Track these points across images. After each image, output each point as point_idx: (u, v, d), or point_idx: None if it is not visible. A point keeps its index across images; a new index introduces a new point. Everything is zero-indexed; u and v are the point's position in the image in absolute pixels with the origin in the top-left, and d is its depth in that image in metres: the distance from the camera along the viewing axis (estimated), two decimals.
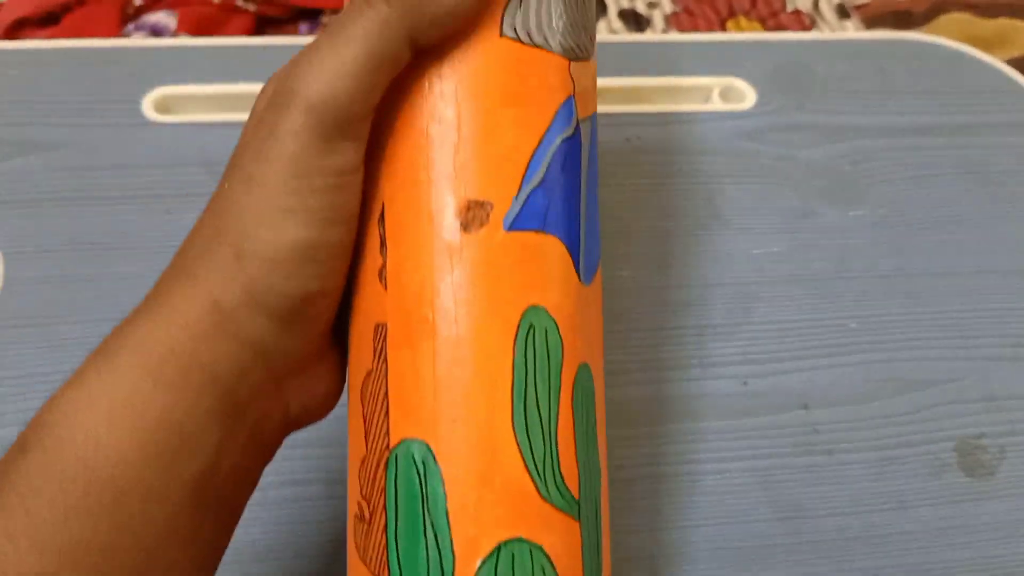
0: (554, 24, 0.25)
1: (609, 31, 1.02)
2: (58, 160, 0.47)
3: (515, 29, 0.25)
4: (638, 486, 0.39)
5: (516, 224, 0.24)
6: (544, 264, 0.25)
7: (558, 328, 0.25)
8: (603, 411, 0.27)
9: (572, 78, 0.26)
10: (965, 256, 0.48)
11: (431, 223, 0.24)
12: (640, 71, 0.55)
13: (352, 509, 0.26)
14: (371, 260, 0.26)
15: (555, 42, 0.25)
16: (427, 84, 0.25)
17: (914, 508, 0.39)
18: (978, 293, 0.47)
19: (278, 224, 0.24)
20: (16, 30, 0.92)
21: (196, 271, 0.25)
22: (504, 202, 0.24)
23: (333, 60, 0.24)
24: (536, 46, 0.25)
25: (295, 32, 0.95)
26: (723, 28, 1.05)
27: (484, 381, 0.24)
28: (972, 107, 0.56)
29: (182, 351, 0.24)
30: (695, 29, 1.04)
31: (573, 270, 0.25)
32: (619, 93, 0.54)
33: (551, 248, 0.25)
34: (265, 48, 0.55)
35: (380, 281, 0.25)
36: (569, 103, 0.25)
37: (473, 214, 0.24)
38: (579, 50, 0.26)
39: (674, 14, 1.05)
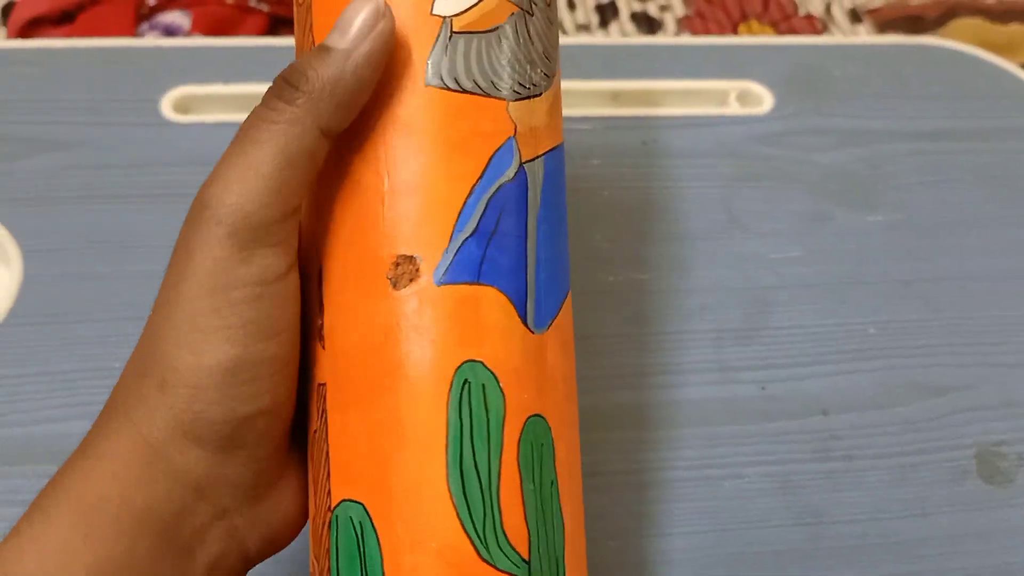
0: (490, 66, 0.24)
1: (621, 34, 1.03)
2: (76, 159, 0.47)
3: (441, 76, 0.24)
4: (656, 490, 0.39)
5: (447, 278, 0.23)
6: (480, 317, 0.24)
7: (498, 382, 0.24)
8: (574, 460, 0.26)
9: (513, 119, 0.25)
10: (982, 261, 0.48)
11: (362, 281, 0.24)
12: (656, 74, 0.55)
13: (311, 569, 0.26)
14: (315, 320, 0.25)
15: (491, 85, 0.24)
16: (356, 140, 0.24)
17: (934, 515, 0.39)
18: (996, 298, 0.47)
19: (198, 346, 0.23)
20: (31, 28, 0.92)
21: (126, 407, 0.24)
22: (435, 256, 0.23)
23: (241, 167, 0.23)
24: (466, 92, 0.24)
25: None
26: (735, 31, 1.05)
27: (417, 442, 0.23)
28: (989, 112, 0.56)
29: (113, 497, 0.23)
30: (707, 32, 1.04)
31: (518, 320, 0.24)
32: (635, 96, 0.54)
33: (488, 299, 0.24)
34: (284, 48, 0.55)
35: (319, 341, 0.25)
36: (508, 146, 0.24)
37: (402, 270, 0.23)
38: (524, 88, 0.25)
39: (686, 17, 1.05)
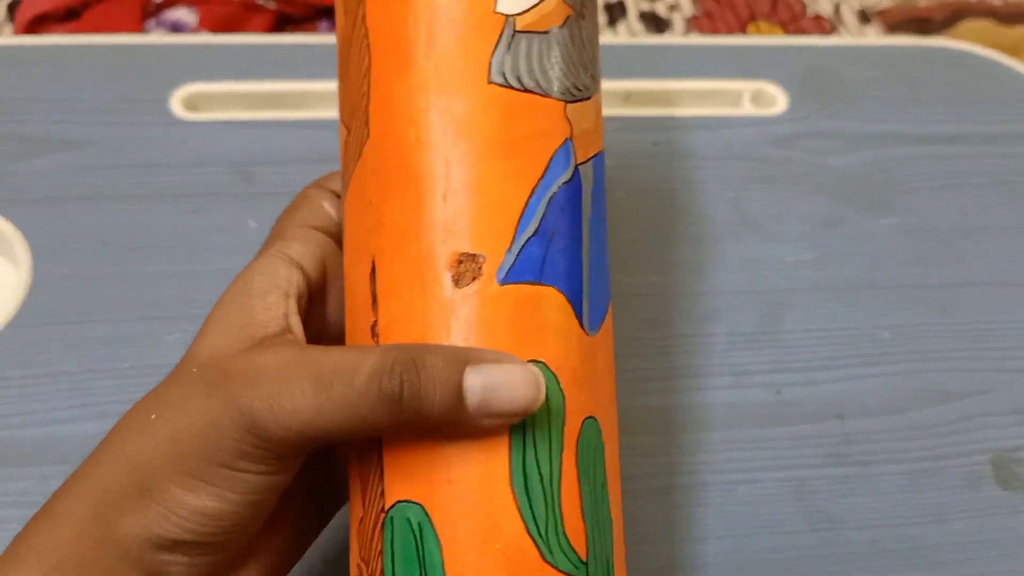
0: (549, 66, 0.24)
1: (630, 33, 1.02)
2: (86, 158, 0.47)
3: (504, 75, 0.24)
4: (671, 495, 0.39)
5: (510, 277, 0.23)
6: (542, 317, 0.24)
7: (559, 383, 0.24)
8: (616, 463, 0.26)
9: (569, 120, 0.25)
10: (996, 266, 0.48)
11: (422, 278, 0.23)
12: (668, 74, 0.55)
13: (352, 572, 0.25)
14: (363, 316, 0.25)
15: (550, 85, 0.24)
16: (413, 134, 0.24)
17: (949, 521, 0.39)
18: (1010, 303, 0.46)
19: (189, 484, 0.23)
20: (36, 25, 0.92)
21: (96, 483, 0.25)
22: (497, 254, 0.23)
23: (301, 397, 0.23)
24: (528, 91, 0.24)
25: (314, 30, 0.95)
26: (743, 31, 1.05)
27: (479, 442, 0.23)
28: (1001, 115, 0.55)
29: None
30: (715, 32, 1.04)
31: (575, 321, 0.24)
32: (646, 96, 0.54)
33: (550, 300, 0.24)
34: (291, 46, 0.55)
35: (372, 337, 0.24)
36: (566, 147, 0.24)
37: (465, 267, 0.23)
38: (578, 90, 0.25)
39: (694, 17, 1.05)
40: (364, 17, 0.25)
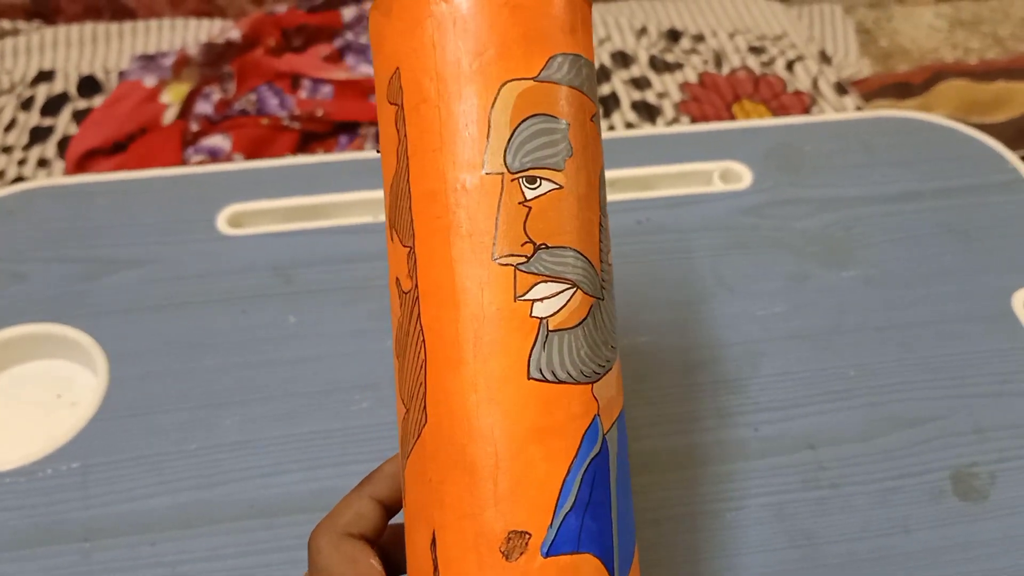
0: (578, 357, 0.27)
1: (623, 121, 1.10)
2: (148, 274, 0.55)
3: (541, 371, 0.26)
4: (668, 526, 0.44)
5: (552, 550, 0.26)
6: None
7: None
8: None
9: (596, 398, 0.27)
10: (949, 306, 0.54)
11: (478, 551, 0.26)
12: (645, 161, 0.62)
13: None
14: None
15: (580, 373, 0.27)
16: (466, 426, 0.26)
17: (916, 531, 0.44)
18: (963, 338, 0.52)
19: None
20: (86, 159, 1.01)
21: None
22: (541, 530, 0.26)
23: None
24: (562, 382, 0.27)
25: (335, 144, 1.04)
26: (729, 111, 1.12)
27: None
28: (950, 172, 0.62)
29: None
30: (703, 114, 1.11)
31: None
32: (630, 181, 0.61)
33: (586, 566, 0.26)
34: (316, 165, 0.63)
35: None
36: (595, 424, 0.27)
37: (513, 544, 0.26)
38: (602, 368, 0.28)
39: (683, 102, 1.13)
40: (419, 316, 0.28)
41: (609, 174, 0.61)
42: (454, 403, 0.27)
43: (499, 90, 0.27)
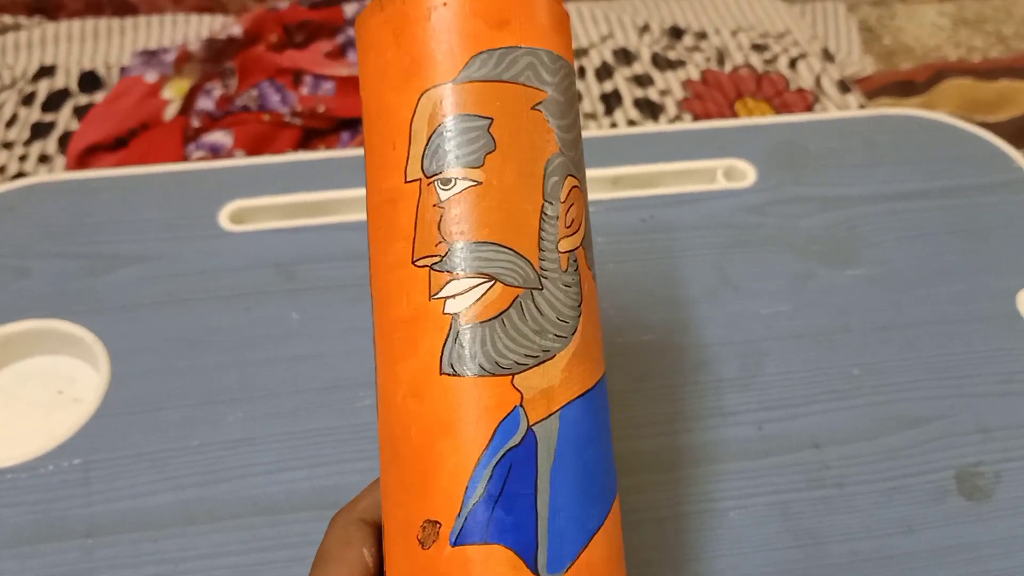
0: (493, 350, 0.27)
1: (626, 119, 1.10)
2: (150, 270, 0.54)
3: (452, 366, 0.27)
4: (671, 524, 0.44)
5: (460, 539, 0.26)
6: (488, 571, 0.26)
7: None
8: None
9: (519, 390, 0.27)
10: (953, 305, 0.54)
11: (405, 539, 0.27)
12: (651, 158, 0.62)
13: None
14: (387, 569, 0.29)
15: (493, 366, 0.27)
16: (396, 425, 0.28)
17: (920, 531, 0.44)
18: (967, 338, 0.52)
19: None
20: (87, 155, 1.01)
21: None
22: (450, 520, 0.27)
23: None
24: (472, 375, 0.27)
25: (337, 140, 1.03)
26: (732, 109, 1.12)
27: None
28: (954, 171, 0.62)
29: None
30: (706, 112, 1.11)
31: (526, 570, 0.27)
32: (634, 179, 0.61)
33: (496, 556, 0.26)
34: (316, 161, 0.63)
35: None
36: (513, 416, 0.27)
37: (427, 532, 0.27)
38: (531, 358, 0.27)
39: (685, 99, 1.13)
40: (374, 321, 0.30)
41: (612, 171, 0.61)
42: (388, 400, 0.28)
43: (418, 100, 0.28)
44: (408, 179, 0.28)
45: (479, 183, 0.28)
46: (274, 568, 0.42)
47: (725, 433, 0.47)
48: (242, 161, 0.62)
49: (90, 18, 1.23)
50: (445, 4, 0.28)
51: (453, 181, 0.28)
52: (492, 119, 0.28)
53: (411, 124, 0.28)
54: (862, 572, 0.43)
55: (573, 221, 0.29)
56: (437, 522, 0.27)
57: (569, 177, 0.30)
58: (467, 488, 0.27)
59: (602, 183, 0.61)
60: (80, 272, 0.54)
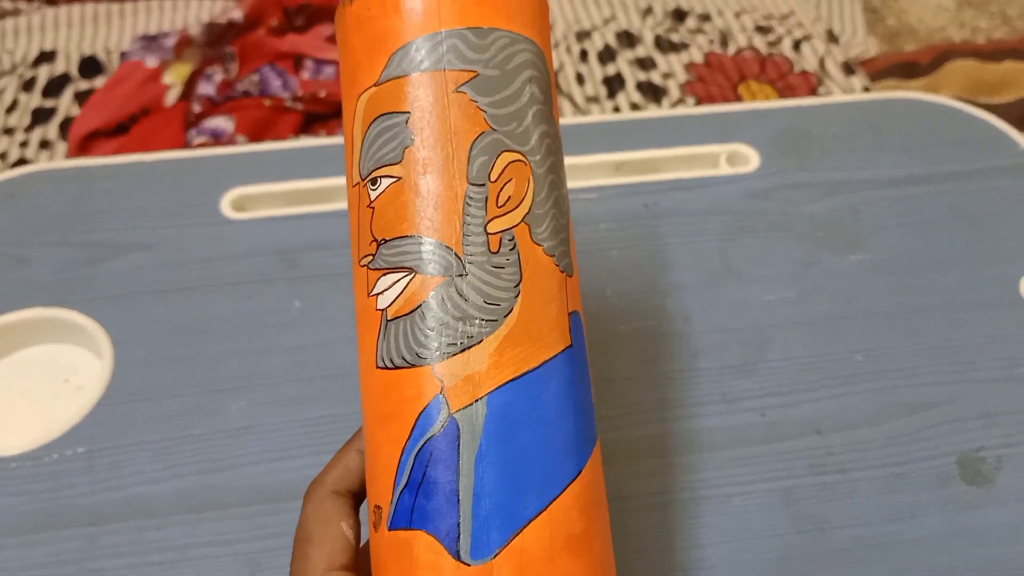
0: (413, 341, 0.28)
1: (628, 102, 1.09)
2: (152, 258, 0.54)
3: (383, 359, 0.28)
4: (673, 510, 0.44)
5: (393, 524, 0.28)
6: (413, 556, 0.27)
7: None
8: None
9: (439, 378, 0.28)
10: (957, 290, 0.53)
11: (369, 520, 0.29)
12: (653, 143, 0.61)
13: None
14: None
15: (414, 357, 0.28)
16: (363, 412, 0.30)
17: (923, 517, 0.44)
18: (970, 324, 0.52)
19: None
20: (88, 141, 1.01)
21: None
22: (387, 505, 0.28)
23: None
24: (399, 367, 0.28)
25: (338, 126, 1.03)
26: (735, 92, 1.11)
27: None
28: (959, 156, 0.61)
29: None
30: (709, 95, 1.10)
31: (448, 557, 0.27)
32: (637, 164, 0.61)
33: (419, 541, 0.27)
34: (318, 148, 0.62)
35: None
36: (433, 405, 0.28)
37: (375, 516, 0.29)
38: (454, 345, 0.28)
39: (688, 82, 1.12)
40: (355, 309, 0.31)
41: (615, 157, 0.60)
42: (361, 393, 0.30)
43: (355, 106, 0.30)
44: (353, 183, 0.30)
45: (399, 179, 0.28)
46: (276, 555, 0.43)
47: (728, 419, 0.47)
48: (244, 148, 0.62)
49: (90, 3, 1.22)
50: (369, 8, 0.29)
51: (378, 181, 0.29)
52: (409, 113, 0.28)
53: (352, 130, 0.30)
54: (865, 557, 0.43)
55: (509, 199, 0.29)
56: (379, 507, 0.28)
57: (504, 153, 0.29)
58: (395, 476, 0.28)
59: (605, 169, 0.60)
60: (82, 260, 0.54)
